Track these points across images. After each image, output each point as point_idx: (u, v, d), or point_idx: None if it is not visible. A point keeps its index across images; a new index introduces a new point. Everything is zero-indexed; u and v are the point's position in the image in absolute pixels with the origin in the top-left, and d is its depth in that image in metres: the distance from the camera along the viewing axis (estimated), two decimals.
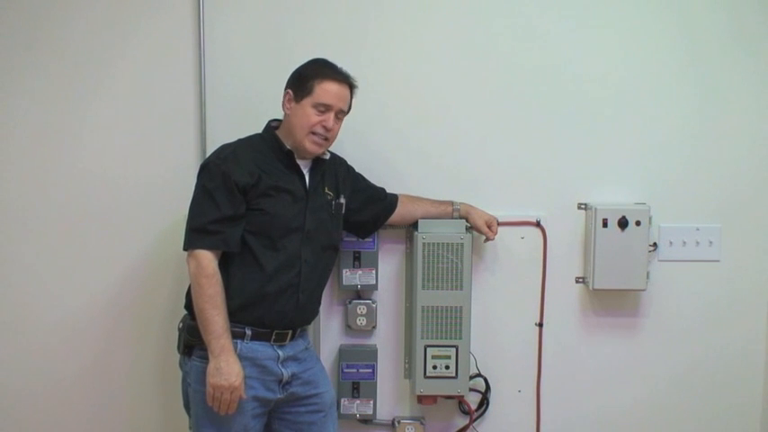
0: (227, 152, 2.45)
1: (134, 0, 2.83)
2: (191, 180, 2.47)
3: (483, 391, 2.96)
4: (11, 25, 2.83)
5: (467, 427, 2.94)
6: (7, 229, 2.89)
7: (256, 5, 2.84)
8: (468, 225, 2.79)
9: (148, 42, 2.84)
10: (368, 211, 2.72)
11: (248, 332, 2.41)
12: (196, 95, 2.84)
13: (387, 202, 2.77)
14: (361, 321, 2.86)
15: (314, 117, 2.44)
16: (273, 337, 2.44)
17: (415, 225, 2.80)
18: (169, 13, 2.83)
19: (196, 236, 2.38)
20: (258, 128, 2.57)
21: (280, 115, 2.54)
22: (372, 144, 2.82)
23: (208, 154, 2.75)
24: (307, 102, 2.44)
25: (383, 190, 2.79)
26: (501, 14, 2.87)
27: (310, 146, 2.47)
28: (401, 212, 2.78)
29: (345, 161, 2.71)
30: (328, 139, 2.50)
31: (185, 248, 2.40)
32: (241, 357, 2.37)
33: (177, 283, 2.83)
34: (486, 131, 2.91)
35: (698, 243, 2.94)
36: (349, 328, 2.89)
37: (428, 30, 2.87)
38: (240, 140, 2.53)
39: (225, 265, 2.40)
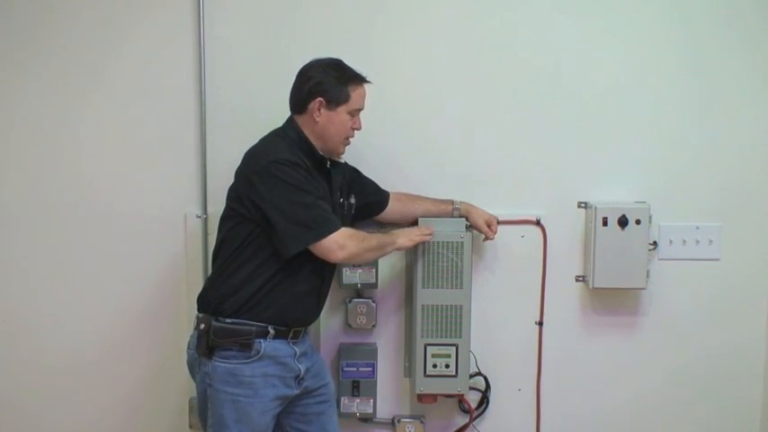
0: (286, 149, 2.42)
1: None
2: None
3: (483, 389, 2.96)
4: (7, 26, 2.82)
5: (467, 425, 2.95)
6: (6, 230, 2.90)
7: (257, 5, 2.83)
8: (468, 224, 2.79)
9: (148, 42, 2.84)
10: (358, 201, 2.72)
11: (271, 331, 2.42)
12: (196, 94, 2.83)
13: (380, 197, 2.78)
14: (362, 320, 2.86)
15: (349, 123, 2.50)
16: (291, 334, 2.47)
17: (415, 223, 2.79)
18: (169, 13, 2.82)
19: (329, 219, 2.39)
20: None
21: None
22: (374, 143, 2.82)
23: (208, 155, 2.80)
24: (343, 109, 2.48)
25: (377, 185, 2.79)
26: (502, 15, 2.86)
27: (343, 149, 2.56)
28: (401, 211, 2.79)
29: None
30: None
31: (321, 238, 2.36)
32: (264, 356, 2.40)
33: (179, 284, 2.84)
34: (487, 130, 2.90)
35: (698, 242, 2.94)
36: (349, 326, 2.88)
37: (430, 31, 2.87)
38: (282, 139, 2.48)
39: (258, 268, 2.40)
